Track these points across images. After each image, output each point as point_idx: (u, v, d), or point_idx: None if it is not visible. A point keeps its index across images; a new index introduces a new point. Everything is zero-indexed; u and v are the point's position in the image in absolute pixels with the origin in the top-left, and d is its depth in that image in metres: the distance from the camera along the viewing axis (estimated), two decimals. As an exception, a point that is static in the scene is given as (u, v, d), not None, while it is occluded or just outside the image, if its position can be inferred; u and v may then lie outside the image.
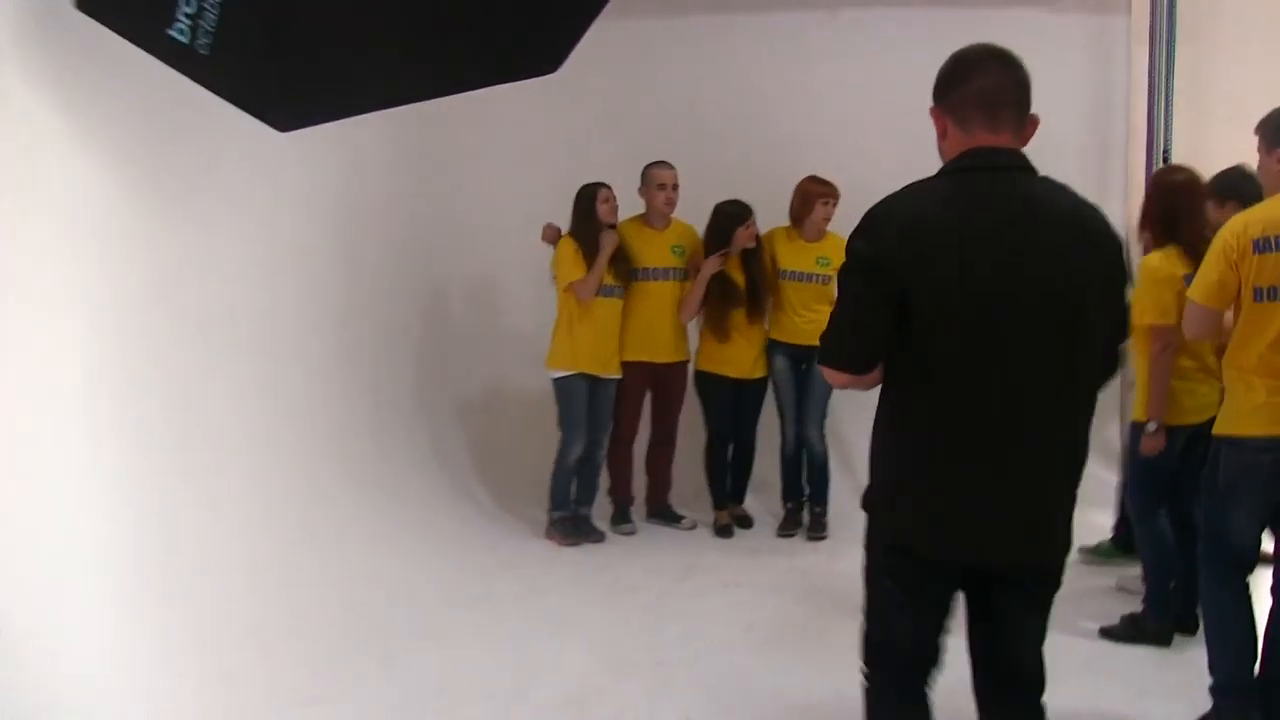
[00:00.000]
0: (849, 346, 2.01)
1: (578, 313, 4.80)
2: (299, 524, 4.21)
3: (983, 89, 1.99)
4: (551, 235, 4.84)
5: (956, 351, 1.92)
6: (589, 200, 4.80)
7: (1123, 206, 5.46)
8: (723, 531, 5.10)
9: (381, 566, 4.28)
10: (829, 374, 2.06)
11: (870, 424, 2.13)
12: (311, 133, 3.19)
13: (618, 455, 5.12)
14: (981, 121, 1.98)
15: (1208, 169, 5.38)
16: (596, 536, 4.95)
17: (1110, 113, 5.56)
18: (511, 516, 5.17)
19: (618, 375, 4.95)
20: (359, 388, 4.92)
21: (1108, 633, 3.73)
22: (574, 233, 4.80)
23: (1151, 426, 3.56)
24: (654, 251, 4.98)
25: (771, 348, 5.05)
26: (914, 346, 1.94)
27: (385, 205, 5.12)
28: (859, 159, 5.04)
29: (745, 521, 5.21)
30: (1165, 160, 5.34)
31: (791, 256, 5.01)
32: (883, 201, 1.99)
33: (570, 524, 4.91)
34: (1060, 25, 5.52)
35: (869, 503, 2.13)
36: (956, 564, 2.06)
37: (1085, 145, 5.51)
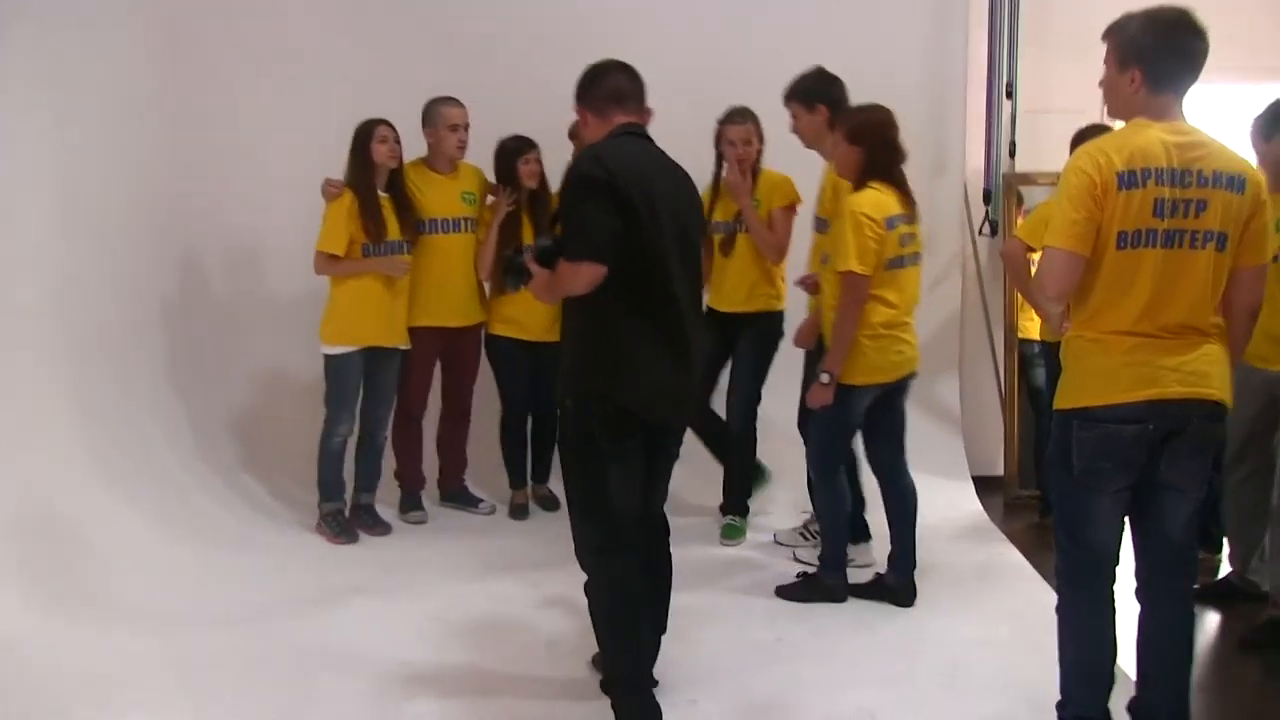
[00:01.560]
0: (600, 241, 2.58)
1: (362, 276, 4.11)
2: (41, 519, 3.62)
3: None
4: (335, 193, 4.09)
5: None
6: (364, 140, 4.09)
7: (961, 144, 5.06)
8: (517, 513, 4.58)
9: (134, 569, 3.70)
10: (584, 271, 2.56)
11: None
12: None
13: (404, 434, 4.50)
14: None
15: (1052, 106, 5.12)
16: (382, 529, 4.35)
17: (948, 47, 5.09)
18: (286, 508, 4.50)
19: (405, 345, 4.30)
20: (101, 370, 4.17)
21: (784, 591, 3.72)
22: (350, 182, 4.09)
23: (825, 378, 3.42)
24: (442, 199, 4.31)
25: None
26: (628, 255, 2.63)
27: (119, 156, 4.31)
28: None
29: (549, 503, 4.65)
30: (1009, 95, 4.94)
31: None
32: (594, 147, 2.70)
33: (345, 518, 4.29)
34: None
35: None
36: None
37: (923, 81, 5.05)
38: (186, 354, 4.71)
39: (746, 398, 4.20)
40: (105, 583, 3.61)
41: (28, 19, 3.78)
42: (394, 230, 4.13)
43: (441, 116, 4.24)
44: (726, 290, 4.17)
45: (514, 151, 4.30)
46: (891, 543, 3.66)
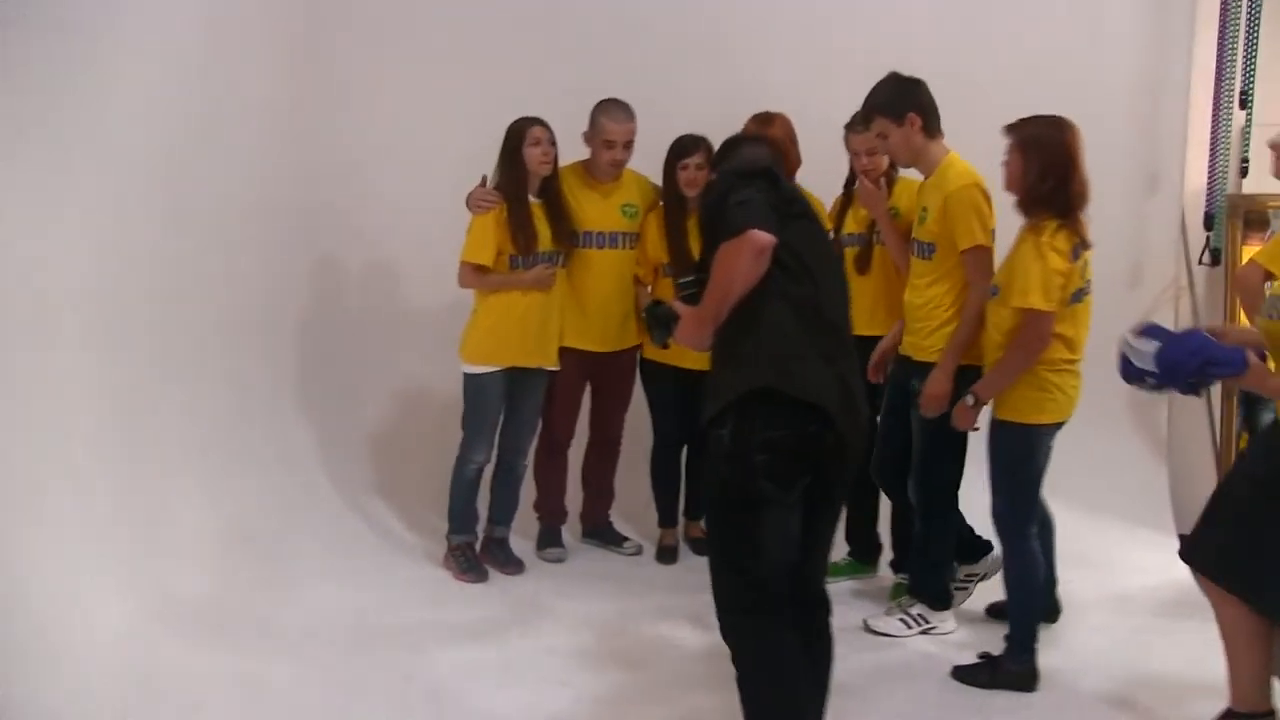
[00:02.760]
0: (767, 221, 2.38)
1: (509, 290, 3.76)
2: (154, 539, 3.41)
3: None
4: (488, 207, 3.70)
5: None
6: (515, 143, 3.71)
7: (1180, 160, 4.44)
8: (665, 555, 4.14)
9: (254, 588, 3.52)
10: (757, 239, 2.26)
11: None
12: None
13: (547, 463, 4.12)
14: None
15: None
16: (514, 566, 3.97)
17: (1168, 45, 4.47)
18: (415, 536, 4.17)
19: (554, 367, 3.91)
20: (225, 382, 3.94)
21: (962, 674, 3.20)
22: (500, 187, 3.72)
23: (971, 400, 3.16)
24: (599, 211, 3.90)
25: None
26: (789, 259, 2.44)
27: (246, 161, 4.03)
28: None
29: (702, 545, 4.15)
30: (1244, 105, 4.30)
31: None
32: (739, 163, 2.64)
33: (476, 552, 3.93)
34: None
35: None
36: None
37: (1135, 84, 4.46)
38: (316, 370, 4.44)
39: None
40: (214, 605, 3.38)
41: (148, 17, 3.52)
42: (546, 240, 3.76)
43: (600, 129, 3.82)
44: (863, 311, 3.50)
45: (675, 151, 3.85)
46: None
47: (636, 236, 3.95)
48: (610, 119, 3.80)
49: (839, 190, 3.85)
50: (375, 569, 3.89)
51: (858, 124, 3.56)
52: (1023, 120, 3.06)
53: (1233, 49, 4.29)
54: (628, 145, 3.83)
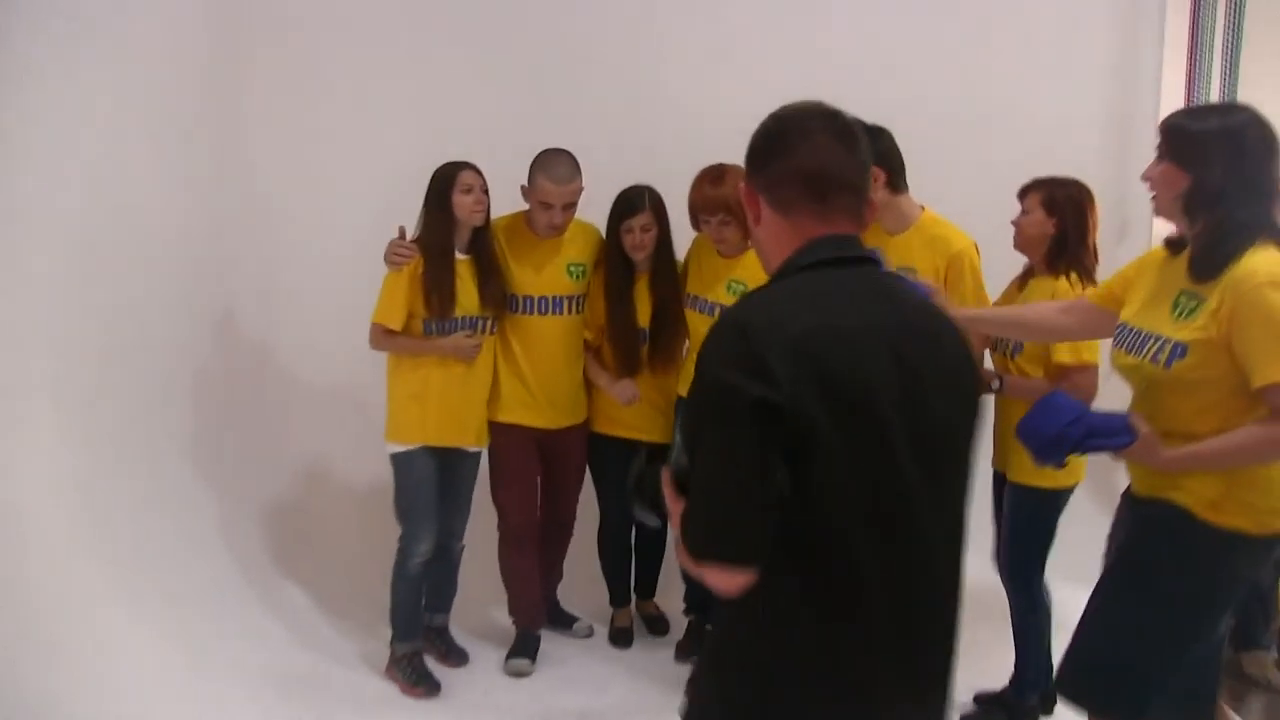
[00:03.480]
0: (744, 528, 1.40)
1: (422, 359, 3.38)
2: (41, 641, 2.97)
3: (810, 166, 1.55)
4: (403, 261, 3.30)
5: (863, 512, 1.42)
6: (443, 189, 3.30)
7: (1149, 205, 4.24)
8: (620, 638, 3.85)
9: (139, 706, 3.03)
10: (715, 577, 1.43)
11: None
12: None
13: (512, 559, 3.67)
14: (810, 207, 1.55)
15: None
16: (456, 658, 3.65)
17: (1138, 75, 4.28)
18: (348, 639, 3.73)
19: (479, 447, 3.54)
20: (121, 452, 3.49)
21: None
22: (421, 240, 3.32)
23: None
24: (539, 273, 3.50)
25: (680, 407, 3.57)
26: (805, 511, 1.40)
27: (151, 195, 3.61)
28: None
29: (658, 624, 3.94)
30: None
31: (699, 279, 3.52)
32: (746, 307, 1.48)
33: (424, 662, 3.52)
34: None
35: None
36: None
37: (1105, 116, 4.28)
38: (218, 441, 3.95)
39: None
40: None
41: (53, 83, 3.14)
42: (470, 303, 3.36)
43: (538, 188, 3.37)
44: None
45: (619, 211, 3.48)
46: None
47: (583, 300, 3.58)
48: (549, 177, 3.35)
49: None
50: (304, 681, 3.44)
51: None
52: (1046, 181, 3.07)
53: (1205, 90, 4.11)
54: (568, 208, 3.40)
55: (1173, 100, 4.18)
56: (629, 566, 3.91)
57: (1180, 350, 2.10)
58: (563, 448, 3.68)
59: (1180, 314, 2.13)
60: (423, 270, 3.29)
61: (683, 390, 3.55)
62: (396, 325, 3.31)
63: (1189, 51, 4.14)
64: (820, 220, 1.53)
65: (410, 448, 3.40)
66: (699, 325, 3.47)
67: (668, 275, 3.54)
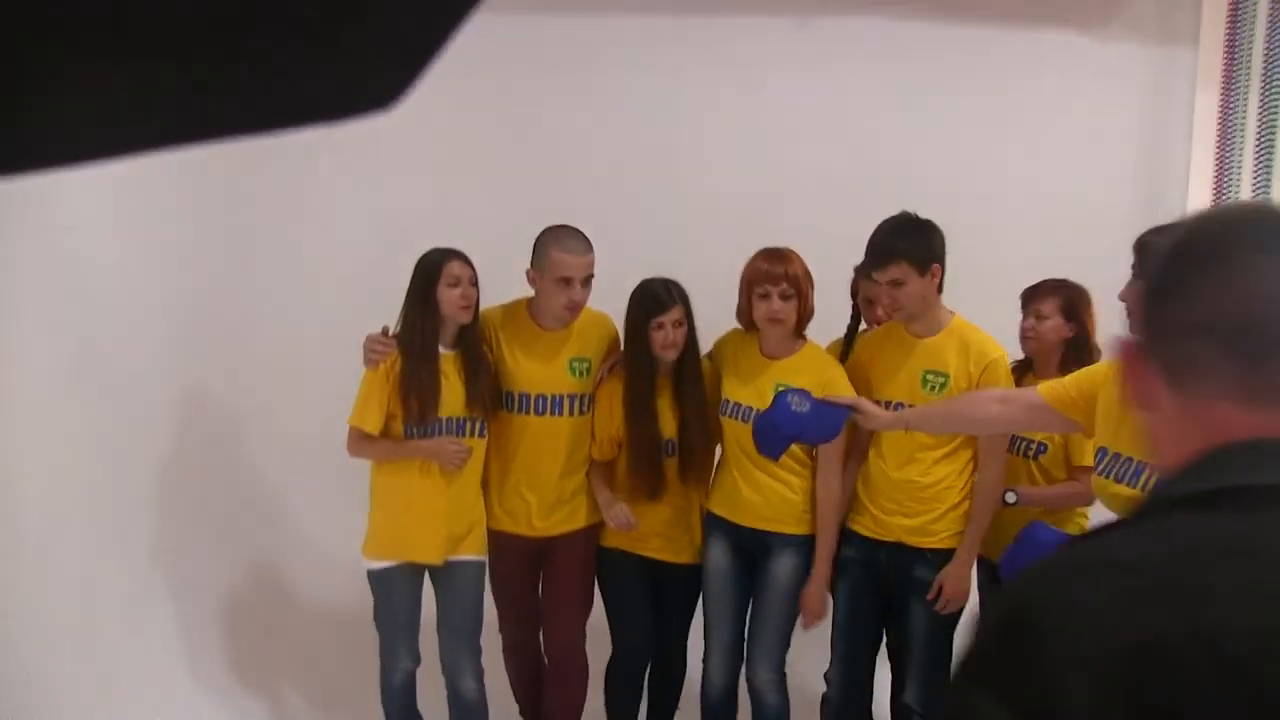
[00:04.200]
0: None
1: (402, 465, 3.05)
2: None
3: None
4: (379, 358, 3.01)
5: None
6: (428, 280, 3.00)
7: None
8: None
9: None
10: None
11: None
12: None
13: (517, 663, 3.38)
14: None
15: None
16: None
17: (1168, 174, 4.10)
18: None
19: (478, 556, 3.18)
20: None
21: None
22: (401, 335, 3.01)
23: None
24: (538, 369, 3.18)
25: (708, 525, 3.24)
26: None
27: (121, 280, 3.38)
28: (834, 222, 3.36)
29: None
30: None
31: (738, 381, 3.18)
32: (1056, 572, 0.80)
33: None
34: (1102, 55, 4.03)
35: None
36: None
37: (1132, 213, 4.05)
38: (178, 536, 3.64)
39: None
40: None
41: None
42: (454, 403, 3.04)
43: (552, 263, 3.05)
44: None
45: (644, 306, 3.11)
46: None
47: (589, 400, 3.23)
48: (564, 250, 3.04)
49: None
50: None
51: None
52: (1059, 284, 3.07)
53: (1236, 182, 3.93)
54: (587, 282, 3.09)
55: (1200, 193, 4.00)
56: (636, 706, 3.42)
57: None
58: (563, 557, 3.29)
59: None
60: (400, 369, 2.98)
61: (712, 506, 3.21)
62: (371, 428, 2.99)
63: (1217, 141, 3.96)
64: (1249, 406, 0.85)
65: (388, 564, 3.06)
66: (740, 435, 3.11)
67: (698, 378, 3.16)
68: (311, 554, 3.85)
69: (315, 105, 0.83)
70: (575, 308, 3.13)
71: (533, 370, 3.19)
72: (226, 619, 3.73)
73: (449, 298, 2.99)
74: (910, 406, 2.93)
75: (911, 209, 2.94)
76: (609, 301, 3.20)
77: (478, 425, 3.12)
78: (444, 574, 3.14)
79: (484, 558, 3.20)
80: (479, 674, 3.21)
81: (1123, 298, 2.28)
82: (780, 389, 3.01)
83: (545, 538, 3.25)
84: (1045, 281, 3.11)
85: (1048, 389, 2.55)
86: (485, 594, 3.25)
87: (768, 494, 3.08)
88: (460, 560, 3.14)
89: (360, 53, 0.81)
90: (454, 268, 3.00)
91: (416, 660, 3.17)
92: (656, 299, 3.07)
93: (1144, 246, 2.21)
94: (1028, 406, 2.55)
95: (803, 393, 2.91)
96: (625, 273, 3.14)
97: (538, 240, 3.13)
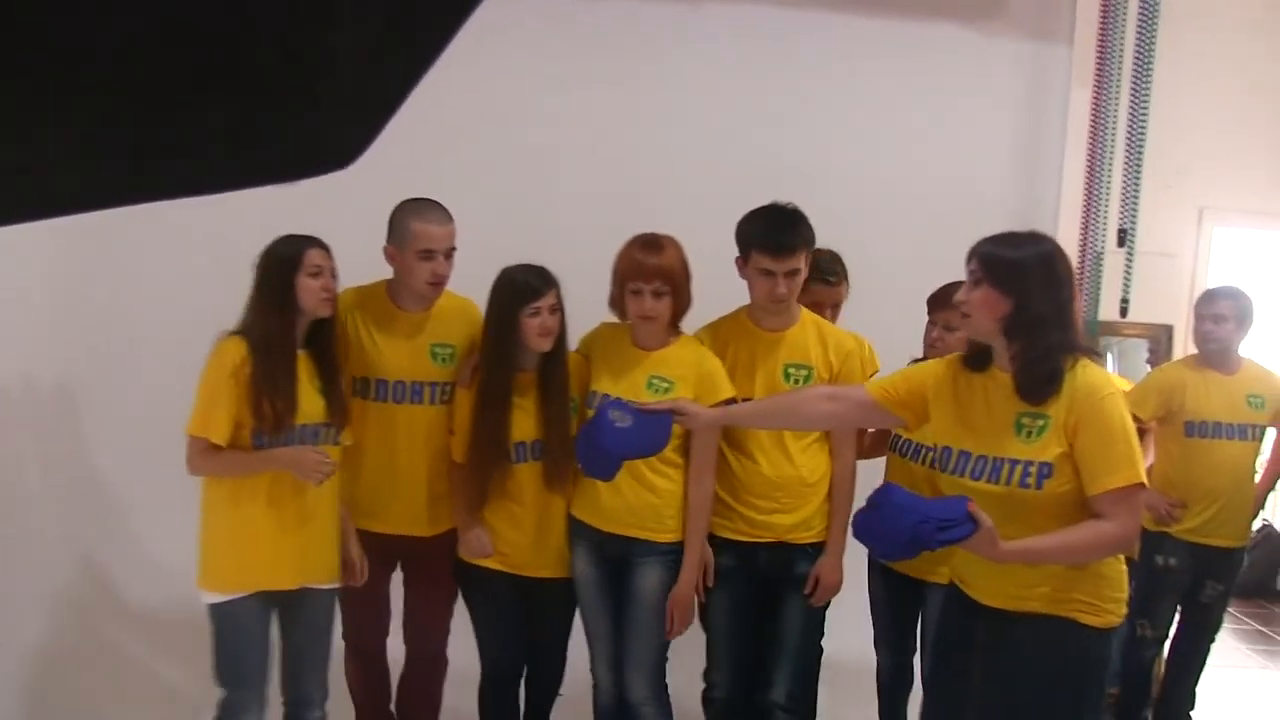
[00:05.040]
0: None
1: (243, 492, 2.71)
2: None
3: None
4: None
5: None
6: (285, 271, 2.68)
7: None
8: None
9: None
10: None
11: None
12: None
13: (361, 672, 3.10)
14: None
15: (1176, 252, 4.16)
16: None
17: (1043, 168, 4.11)
18: None
19: (330, 583, 2.87)
20: None
21: None
22: (252, 331, 2.68)
23: None
24: (402, 352, 2.93)
25: (572, 532, 2.98)
26: None
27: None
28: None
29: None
30: (1121, 242, 3.95)
31: (610, 376, 2.93)
32: None
33: None
34: (988, 49, 4.01)
35: None
36: None
37: (1012, 210, 4.06)
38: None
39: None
40: None
41: None
42: (312, 408, 2.73)
43: (411, 235, 2.82)
44: None
45: (517, 293, 2.85)
46: None
47: (450, 389, 2.97)
48: (424, 220, 2.81)
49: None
50: None
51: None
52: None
53: (1106, 179, 3.96)
54: (449, 255, 2.86)
55: (1074, 186, 4.04)
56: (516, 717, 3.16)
57: (1047, 470, 2.15)
58: (428, 559, 3.02)
59: (1028, 435, 2.17)
60: (252, 369, 2.65)
61: (575, 511, 2.95)
62: (218, 439, 2.64)
63: (1089, 136, 4.00)
64: None
65: (233, 596, 2.71)
66: None
67: (566, 374, 2.91)
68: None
69: (277, 166, 0.90)
70: (440, 282, 2.89)
71: (394, 355, 2.93)
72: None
73: (309, 289, 2.68)
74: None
75: (789, 199, 2.84)
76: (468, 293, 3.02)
77: (334, 433, 2.81)
78: (296, 602, 2.81)
79: (338, 584, 2.90)
80: (325, 699, 2.93)
81: (960, 301, 2.26)
82: (601, 403, 2.80)
83: (411, 538, 2.99)
84: (952, 290, 2.93)
85: (877, 388, 2.52)
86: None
87: (630, 498, 2.85)
88: (316, 588, 2.83)
89: (323, 115, 0.86)
90: (315, 256, 2.69)
91: (264, 712, 2.79)
92: (529, 285, 2.82)
93: (988, 256, 2.22)
94: (857, 404, 2.54)
95: (622, 404, 2.66)
96: (485, 265, 2.90)
97: (394, 214, 2.88)
